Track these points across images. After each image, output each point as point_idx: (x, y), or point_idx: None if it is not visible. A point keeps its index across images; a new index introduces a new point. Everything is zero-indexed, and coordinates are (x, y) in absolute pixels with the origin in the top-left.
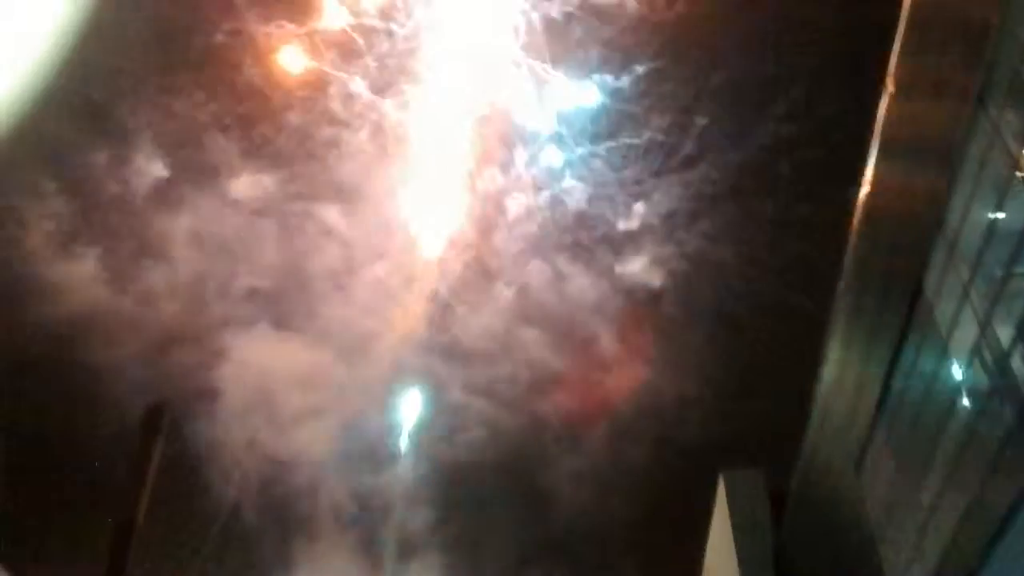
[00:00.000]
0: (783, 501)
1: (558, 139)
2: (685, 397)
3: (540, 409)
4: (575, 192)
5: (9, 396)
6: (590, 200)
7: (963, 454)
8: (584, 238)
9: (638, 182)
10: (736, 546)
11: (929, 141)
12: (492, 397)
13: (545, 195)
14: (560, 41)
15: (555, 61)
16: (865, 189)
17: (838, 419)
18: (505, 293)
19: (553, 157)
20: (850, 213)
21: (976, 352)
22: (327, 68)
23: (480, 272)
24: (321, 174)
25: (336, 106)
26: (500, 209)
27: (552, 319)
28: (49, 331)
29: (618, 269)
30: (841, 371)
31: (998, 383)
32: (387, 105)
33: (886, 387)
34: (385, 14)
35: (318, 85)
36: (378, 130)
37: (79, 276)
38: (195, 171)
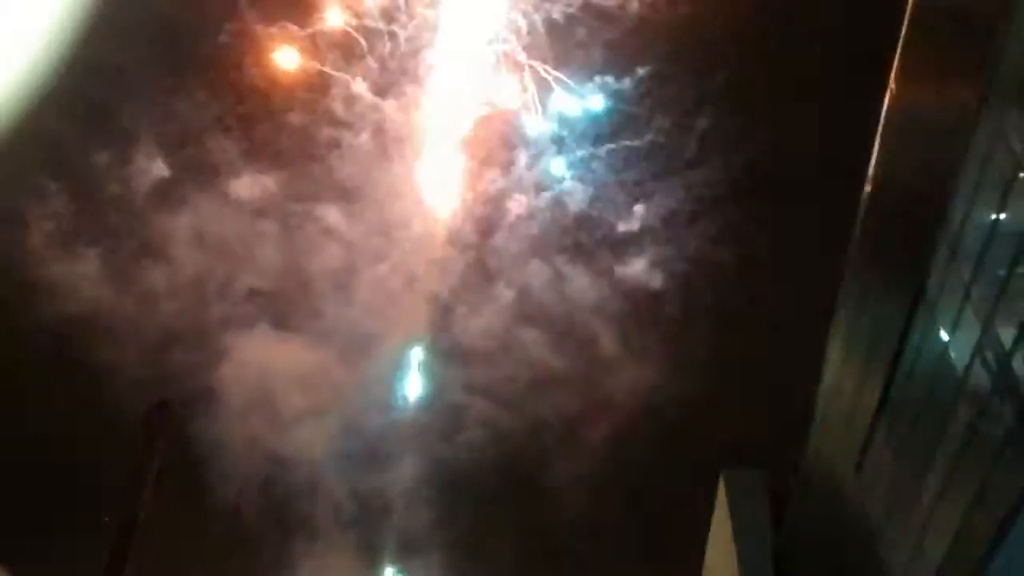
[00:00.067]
0: (784, 501)
1: (559, 140)
2: (686, 397)
3: (540, 409)
4: (576, 193)
5: (11, 395)
6: (591, 201)
7: (964, 454)
8: (585, 239)
9: (639, 183)
10: (737, 546)
11: (932, 140)
12: (492, 397)
13: (546, 196)
14: (562, 43)
15: (556, 63)
16: (867, 189)
17: (839, 419)
18: (506, 294)
19: (554, 158)
20: (852, 213)
21: (978, 352)
22: (329, 69)
23: (481, 273)
24: (322, 174)
25: (338, 107)
26: (501, 210)
27: (553, 320)
28: (51, 330)
29: (619, 270)
30: (842, 371)
31: (999, 383)
32: (388, 106)
33: (887, 387)
34: (387, 15)
35: (320, 86)
36: (379, 131)
37: (81, 276)
38: (197, 171)
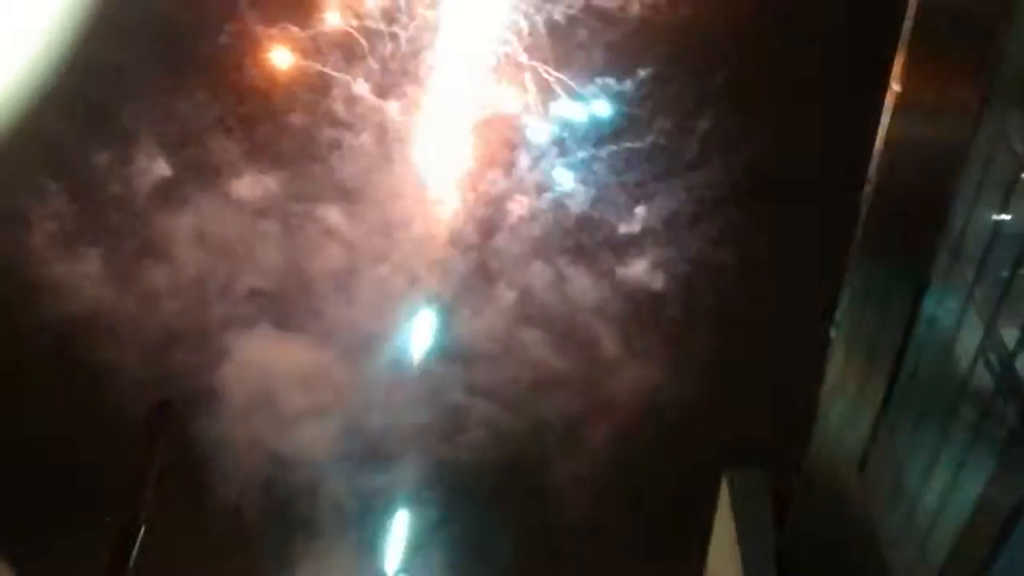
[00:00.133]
0: (786, 502)
1: (560, 142)
2: (688, 397)
3: (542, 410)
4: (577, 194)
5: (12, 395)
6: (592, 202)
7: (968, 456)
8: (586, 240)
9: (640, 184)
10: (739, 547)
11: (934, 141)
12: (493, 398)
13: (547, 197)
14: (563, 44)
15: (558, 63)
16: (869, 190)
17: (842, 419)
18: (507, 294)
19: (555, 160)
20: (854, 214)
21: (980, 353)
22: (330, 70)
23: (482, 274)
24: (324, 175)
25: (339, 107)
26: (502, 211)
27: (554, 321)
28: (52, 330)
29: (620, 271)
30: (845, 372)
31: (1002, 384)
32: (389, 107)
33: (890, 387)
34: (388, 16)
35: (321, 86)
36: (380, 132)
37: (81, 275)
38: (198, 171)
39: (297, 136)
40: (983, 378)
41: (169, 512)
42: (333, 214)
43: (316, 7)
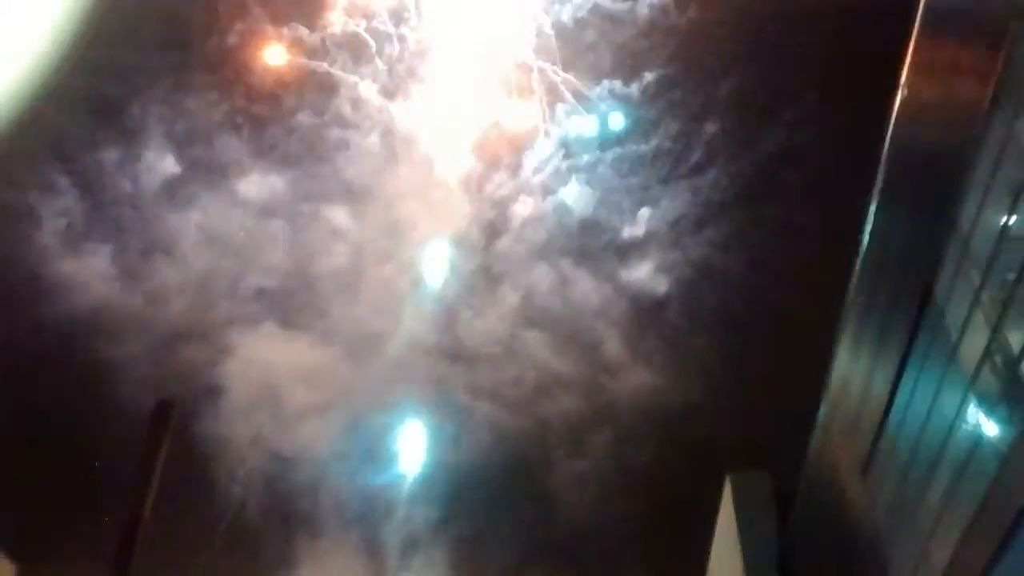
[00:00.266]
0: (789, 504)
1: (566, 144)
2: (692, 400)
3: (545, 412)
4: (583, 197)
5: (16, 392)
6: (597, 205)
7: (971, 459)
8: (591, 243)
9: (646, 188)
10: (741, 548)
11: (942, 144)
12: (496, 400)
13: (552, 200)
14: (571, 46)
15: (565, 66)
16: (876, 192)
17: (845, 422)
18: (511, 296)
19: (561, 162)
20: (861, 216)
21: (986, 357)
22: (338, 70)
23: (487, 275)
24: (330, 175)
25: (346, 108)
26: (508, 213)
27: (558, 323)
28: (58, 327)
29: (625, 274)
30: (849, 374)
31: (1008, 388)
32: (396, 108)
33: (894, 391)
34: (396, 17)
35: (329, 87)
36: (387, 132)
37: (89, 273)
38: (205, 170)
39: (304, 136)
40: (988, 382)
41: (173, 510)
42: (339, 214)
43: (325, 8)
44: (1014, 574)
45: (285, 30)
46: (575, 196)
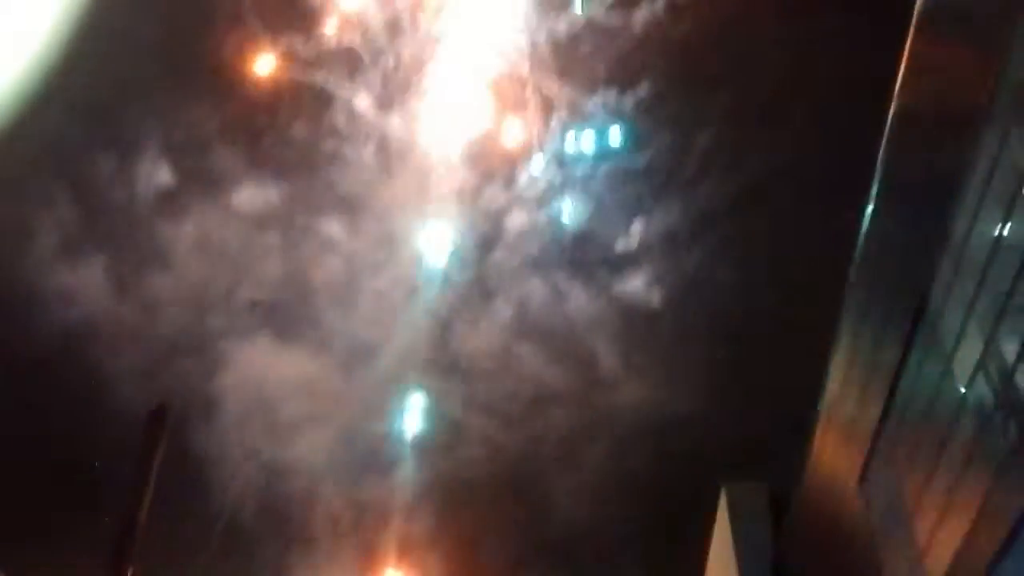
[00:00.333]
0: (785, 514)
1: (560, 156)
2: (687, 411)
3: (539, 425)
4: (576, 209)
5: (10, 401)
6: (591, 218)
7: (967, 470)
8: (585, 255)
9: (639, 200)
10: (737, 559)
11: (936, 154)
12: (491, 412)
13: (546, 212)
14: (565, 58)
15: (560, 78)
16: (870, 202)
17: (841, 432)
18: (505, 309)
19: (555, 174)
20: (855, 226)
21: (980, 366)
22: (332, 82)
23: (481, 288)
24: (324, 187)
25: (341, 119)
26: (501, 225)
27: (552, 335)
28: (52, 337)
29: (620, 285)
30: (845, 383)
31: (1002, 398)
32: (391, 119)
33: (890, 400)
34: (391, 29)
35: (323, 98)
36: (381, 144)
37: (82, 283)
38: (200, 182)
39: (299, 147)
40: (983, 391)
41: (166, 518)
42: (333, 226)
43: (320, 20)
44: None
45: (280, 42)
46: (568, 208)
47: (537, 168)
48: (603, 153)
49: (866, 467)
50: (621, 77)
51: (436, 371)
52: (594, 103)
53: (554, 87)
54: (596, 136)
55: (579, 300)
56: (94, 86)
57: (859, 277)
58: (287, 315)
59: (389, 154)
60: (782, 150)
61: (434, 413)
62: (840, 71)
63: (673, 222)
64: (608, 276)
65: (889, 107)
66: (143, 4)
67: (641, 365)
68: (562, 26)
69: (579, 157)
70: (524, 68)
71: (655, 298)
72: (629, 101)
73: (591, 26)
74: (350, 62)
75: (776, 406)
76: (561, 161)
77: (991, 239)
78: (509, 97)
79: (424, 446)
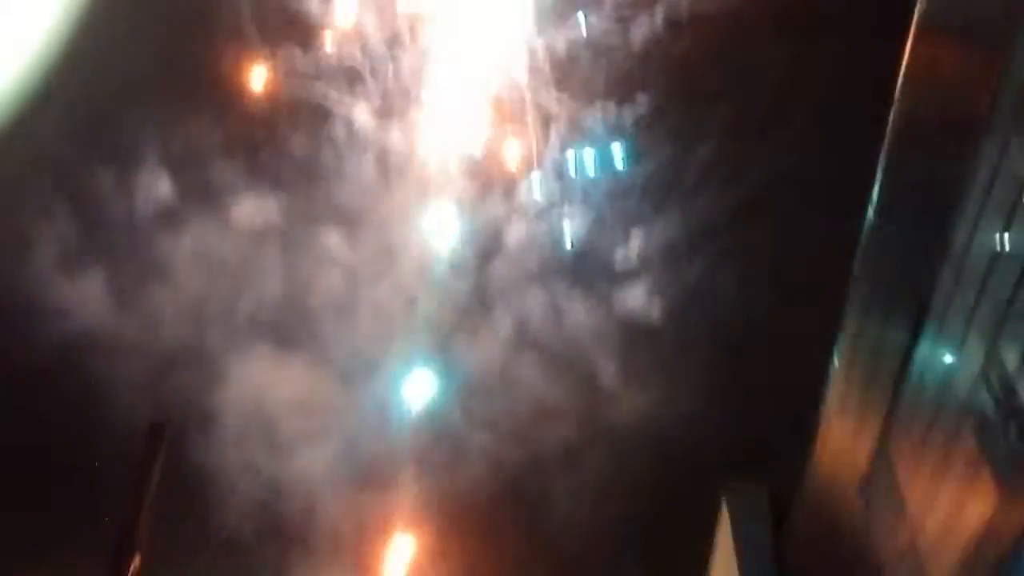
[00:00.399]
0: (786, 516)
1: (560, 168)
2: (688, 415)
3: (538, 432)
4: (576, 221)
5: (8, 414)
6: (591, 229)
7: (971, 479)
8: (585, 267)
9: (639, 211)
10: (738, 563)
11: (936, 162)
12: (490, 423)
13: (546, 224)
14: (564, 70)
15: (559, 89)
16: (870, 211)
17: (843, 440)
18: (504, 321)
19: (554, 186)
20: (855, 234)
21: (982, 375)
22: (331, 93)
23: (480, 299)
24: (323, 199)
25: (339, 131)
26: (500, 237)
27: (552, 343)
28: (50, 351)
29: (620, 294)
30: (845, 393)
31: (1004, 406)
32: (390, 131)
33: (891, 409)
34: (390, 40)
35: (322, 110)
36: (380, 156)
37: (80, 297)
38: (198, 194)
39: (298, 159)
40: (985, 401)
41: (165, 535)
42: (332, 238)
43: (318, 30)
44: None
45: (278, 52)
46: (568, 219)
47: (537, 181)
48: (603, 166)
49: (868, 475)
50: (621, 91)
51: (434, 383)
52: (594, 117)
53: (553, 101)
54: (596, 150)
55: (578, 309)
56: (92, 99)
57: (859, 286)
58: (286, 329)
59: (388, 168)
60: (782, 161)
61: (434, 423)
62: (840, 78)
63: (673, 232)
64: (607, 286)
65: (889, 114)
66: (138, 20)
67: (642, 368)
68: (562, 40)
69: (579, 170)
70: (523, 82)
71: (656, 307)
72: (629, 115)
73: (593, 38)
74: (350, 76)
75: (777, 410)
76: (561, 172)
77: (992, 247)
78: (508, 111)
79: (424, 456)
